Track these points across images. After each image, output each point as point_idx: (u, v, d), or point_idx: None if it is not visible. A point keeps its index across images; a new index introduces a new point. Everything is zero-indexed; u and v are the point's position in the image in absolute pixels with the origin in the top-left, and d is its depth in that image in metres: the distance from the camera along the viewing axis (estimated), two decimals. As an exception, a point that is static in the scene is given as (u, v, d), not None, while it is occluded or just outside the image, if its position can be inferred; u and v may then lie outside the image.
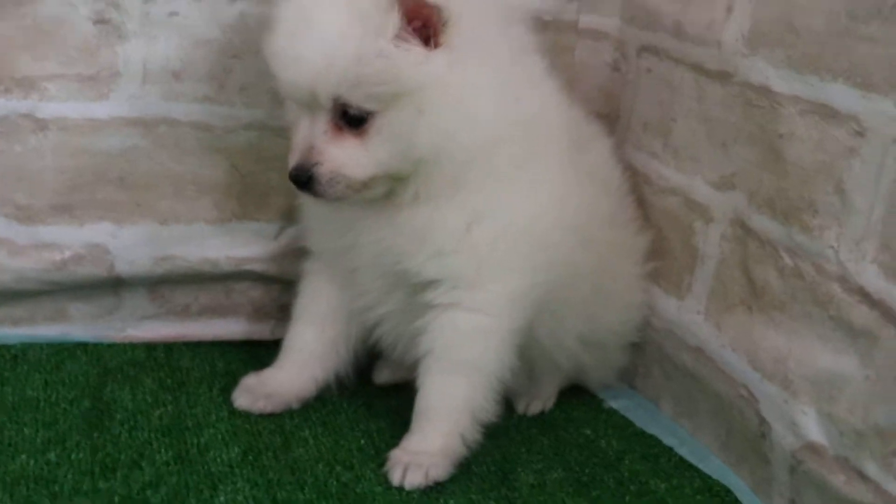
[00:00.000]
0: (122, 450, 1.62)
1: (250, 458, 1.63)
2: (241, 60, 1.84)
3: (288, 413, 1.77)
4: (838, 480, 1.47)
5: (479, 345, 1.64)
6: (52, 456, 1.58)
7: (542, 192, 1.63)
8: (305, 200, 1.75)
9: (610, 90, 1.99)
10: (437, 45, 1.47)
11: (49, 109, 1.79)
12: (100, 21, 1.77)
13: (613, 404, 1.93)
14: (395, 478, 1.60)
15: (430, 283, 1.64)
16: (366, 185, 1.54)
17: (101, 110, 1.81)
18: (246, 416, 1.75)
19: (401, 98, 1.48)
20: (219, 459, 1.62)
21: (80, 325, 1.93)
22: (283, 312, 1.98)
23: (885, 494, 1.39)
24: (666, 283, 1.86)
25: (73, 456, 1.59)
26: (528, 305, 1.65)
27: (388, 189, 1.56)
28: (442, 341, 1.64)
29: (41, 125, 1.79)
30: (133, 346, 1.94)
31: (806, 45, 1.53)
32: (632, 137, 1.93)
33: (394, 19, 1.44)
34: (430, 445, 1.63)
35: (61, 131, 1.80)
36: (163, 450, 1.63)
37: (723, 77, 1.70)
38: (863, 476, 1.43)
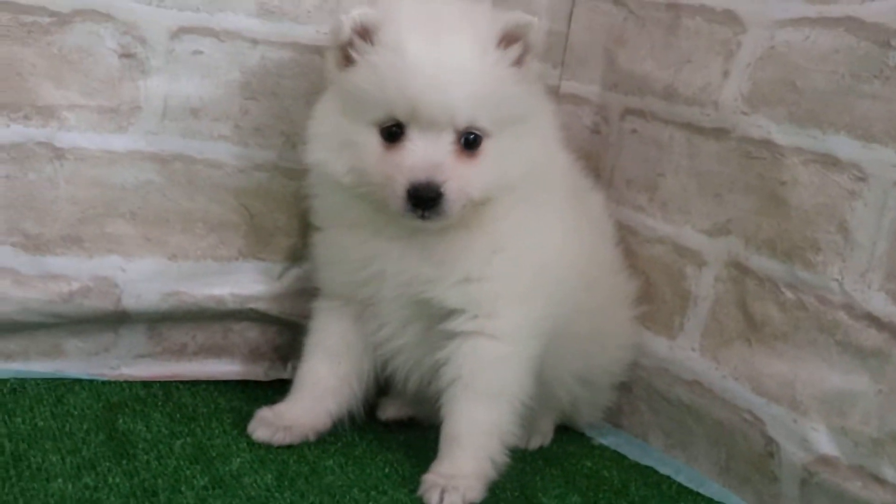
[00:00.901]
0: (157, 475, 1.59)
1: (286, 483, 1.63)
2: (257, 102, 1.88)
3: (306, 444, 1.77)
4: (854, 486, 1.61)
5: (503, 371, 1.71)
6: (88, 480, 1.54)
7: (557, 229, 1.74)
8: (325, 235, 1.78)
9: (589, 151, 2.13)
10: None
11: (67, 139, 1.77)
12: (125, 55, 1.78)
13: (603, 441, 2.02)
14: (433, 500, 1.63)
15: (451, 312, 1.70)
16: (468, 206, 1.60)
17: (118, 143, 1.80)
18: (266, 447, 1.74)
19: (513, 123, 1.60)
20: (255, 485, 1.61)
21: (74, 361, 1.87)
22: (277, 354, 2.01)
23: (906, 493, 1.55)
24: (655, 325, 1.98)
25: (109, 480, 1.55)
26: (543, 334, 1.74)
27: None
28: (467, 369, 1.70)
29: (58, 154, 1.76)
30: (130, 384, 1.89)
31: (808, 102, 1.71)
32: (614, 194, 2.07)
33: (514, 50, 1.58)
34: (462, 469, 1.67)
35: (78, 161, 1.78)
36: (197, 476, 1.61)
37: (719, 134, 1.86)
38: (880, 480, 1.57)
